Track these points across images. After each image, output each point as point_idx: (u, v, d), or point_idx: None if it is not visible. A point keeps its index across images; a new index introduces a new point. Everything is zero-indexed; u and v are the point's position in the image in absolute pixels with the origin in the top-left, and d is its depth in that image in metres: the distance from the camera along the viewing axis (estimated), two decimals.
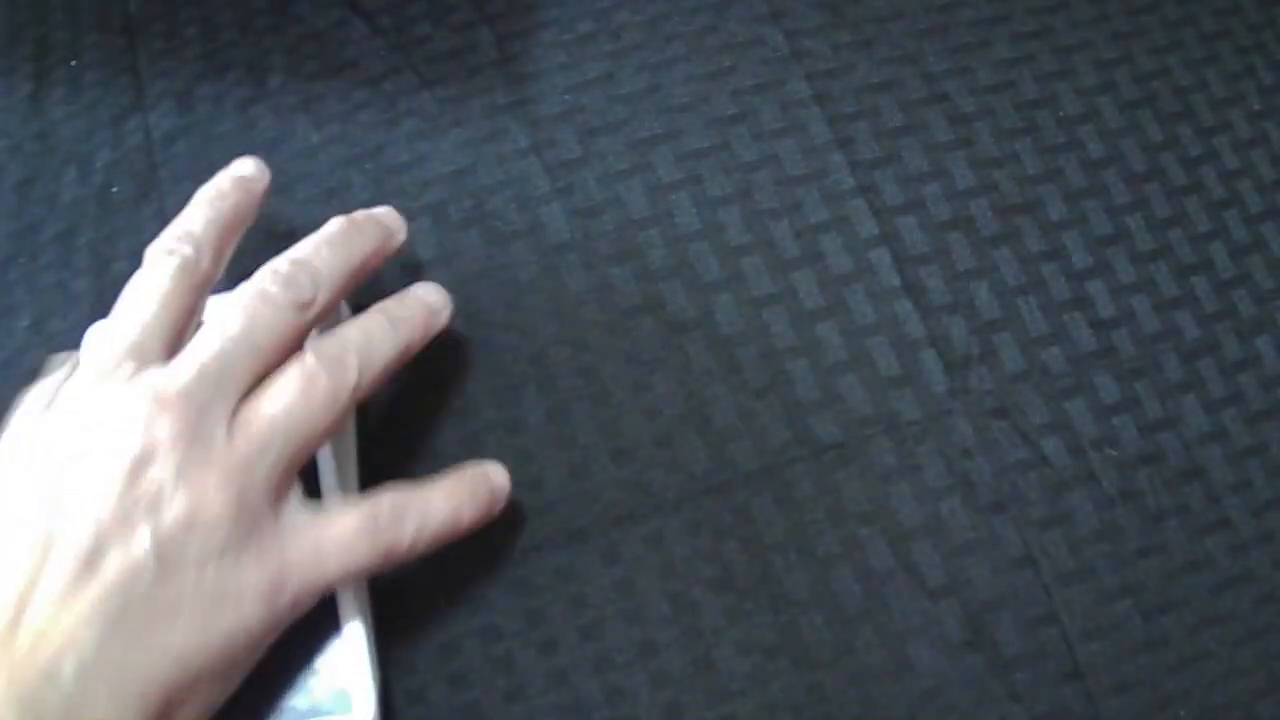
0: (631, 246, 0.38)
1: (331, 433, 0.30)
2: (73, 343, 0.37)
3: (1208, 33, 0.43)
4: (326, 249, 0.32)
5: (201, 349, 0.29)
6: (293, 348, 0.30)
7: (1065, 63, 0.42)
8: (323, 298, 0.31)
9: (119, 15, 0.41)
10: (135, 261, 0.38)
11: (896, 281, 0.38)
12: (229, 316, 0.30)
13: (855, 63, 0.41)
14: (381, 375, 0.31)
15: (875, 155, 0.40)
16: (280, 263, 0.31)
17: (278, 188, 0.39)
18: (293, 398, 0.29)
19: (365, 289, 0.34)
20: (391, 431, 0.36)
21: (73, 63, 0.41)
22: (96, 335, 0.31)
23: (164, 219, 0.38)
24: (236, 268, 0.37)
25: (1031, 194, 0.40)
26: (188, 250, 0.31)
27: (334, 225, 0.33)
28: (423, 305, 0.34)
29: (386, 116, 0.40)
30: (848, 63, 0.41)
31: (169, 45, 0.41)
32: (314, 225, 0.38)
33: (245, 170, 0.34)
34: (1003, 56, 0.42)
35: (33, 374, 0.36)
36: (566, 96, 0.40)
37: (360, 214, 0.34)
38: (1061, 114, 0.41)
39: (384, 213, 0.35)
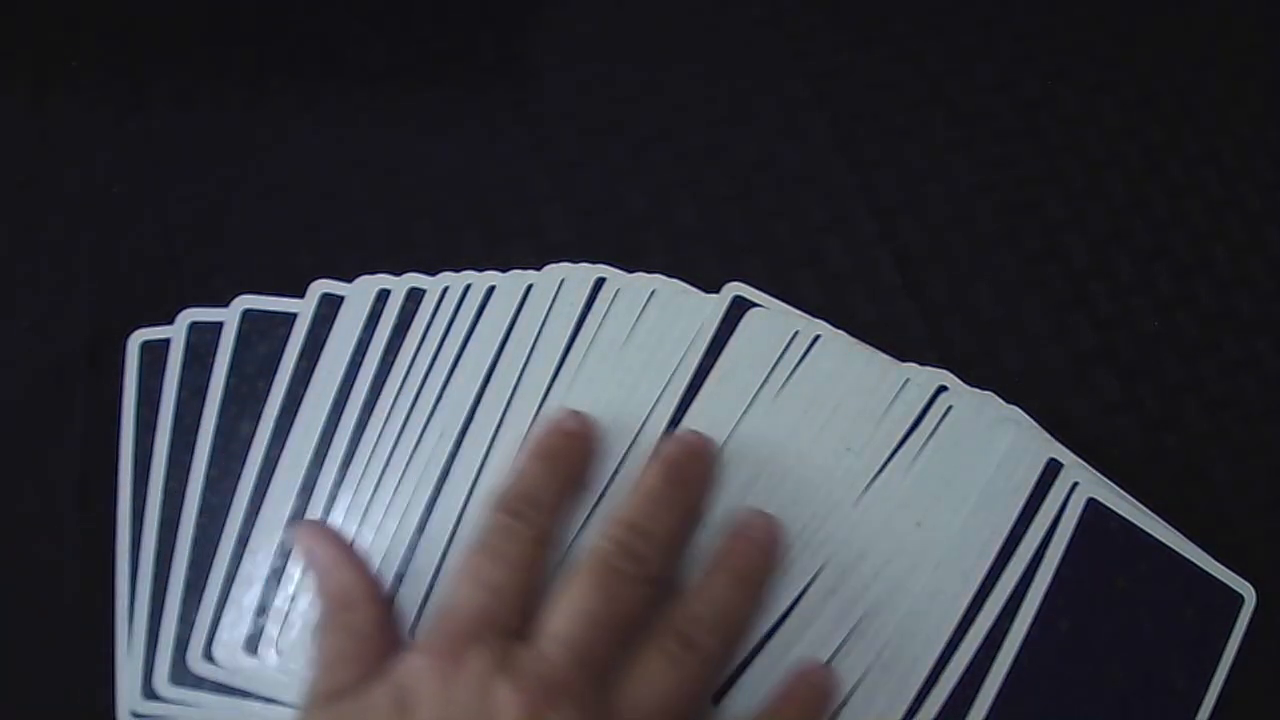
0: (632, 246, 0.38)
1: (700, 704, 0.30)
2: (74, 343, 0.37)
3: (1208, 33, 0.43)
4: (663, 510, 0.31)
5: (568, 633, 0.28)
6: (641, 618, 0.30)
7: (1065, 63, 0.42)
8: (665, 565, 0.31)
9: (119, 15, 0.41)
10: (135, 261, 0.38)
11: (897, 281, 0.38)
12: (588, 596, 0.29)
13: (855, 63, 0.41)
14: (738, 637, 0.31)
15: (875, 155, 0.40)
16: (622, 532, 0.30)
17: (278, 188, 0.39)
18: (665, 685, 0.28)
19: None
20: None
21: (73, 63, 0.41)
22: (443, 609, 0.29)
23: (164, 219, 0.38)
24: (248, 266, 0.38)
25: (1031, 194, 0.40)
26: (542, 520, 0.31)
27: (660, 477, 0.32)
28: (759, 548, 0.32)
29: (386, 116, 0.40)
30: (848, 63, 0.41)
31: (169, 45, 0.41)
32: (313, 225, 0.38)
33: (577, 427, 0.33)
34: (1003, 56, 0.42)
35: (33, 374, 0.36)
36: (566, 96, 0.40)
37: (678, 451, 0.33)
38: (1061, 114, 0.41)
39: (696, 440, 0.33)
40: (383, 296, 0.36)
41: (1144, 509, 0.34)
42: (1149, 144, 0.41)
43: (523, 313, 0.36)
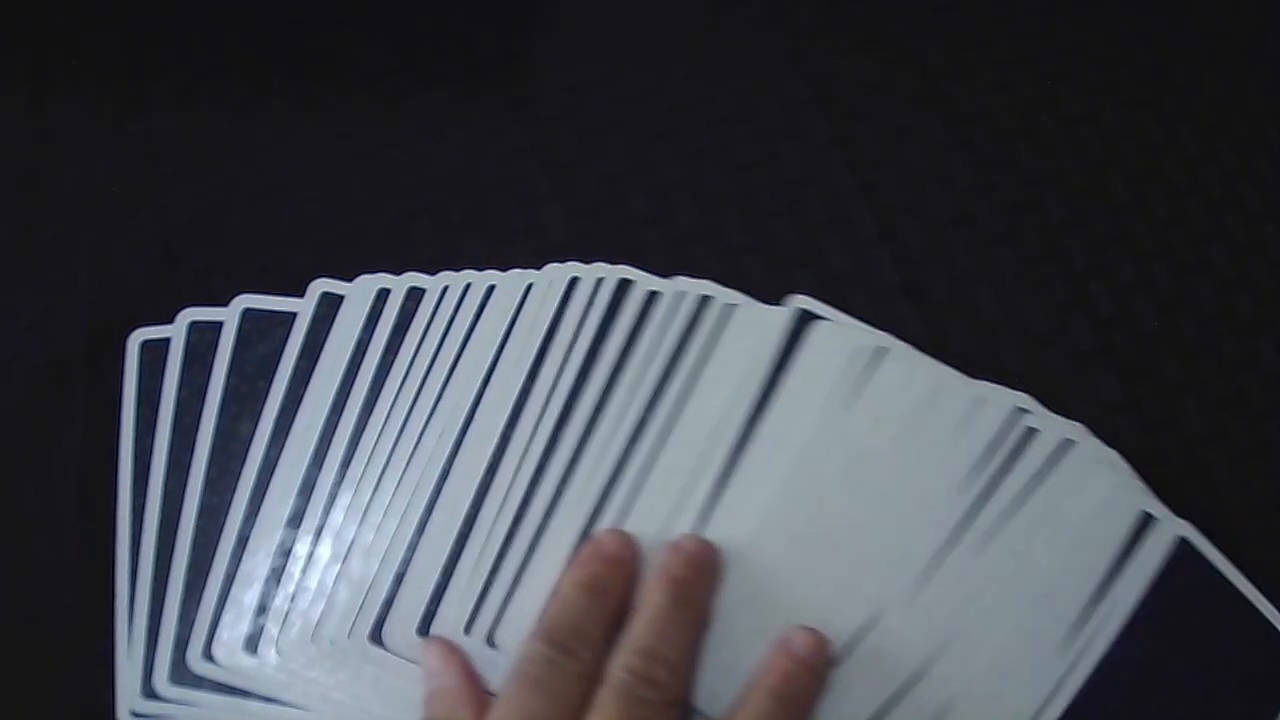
0: (632, 246, 0.38)
1: None
2: (74, 343, 0.37)
3: (1208, 32, 0.43)
4: (675, 631, 0.31)
5: None
6: None
7: (1065, 63, 0.42)
8: (684, 685, 0.30)
9: (119, 14, 0.41)
10: (136, 261, 0.38)
11: (897, 281, 0.38)
12: None
13: (856, 63, 0.41)
14: None
15: (875, 155, 0.40)
16: (638, 660, 0.30)
17: (278, 188, 0.39)
18: None
19: None
20: None
21: (73, 63, 0.41)
22: None
23: (164, 219, 0.38)
24: (248, 266, 0.38)
25: (1031, 194, 0.40)
26: (586, 655, 0.30)
27: (665, 595, 0.31)
28: (803, 666, 0.31)
29: (386, 116, 0.40)
30: (848, 63, 0.41)
31: (169, 45, 0.41)
32: (314, 225, 0.38)
33: (620, 552, 0.32)
34: (1003, 56, 0.42)
35: (33, 374, 0.36)
36: (566, 96, 0.40)
37: (682, 566, 0.32)
38: (1061, 114, 0.41)
39: (698, 549, 0.32)
40: (383, 296, 0.36)
41: (1227, 560, 0.34)
42: (1149, 144, 0.41)
43: (526, 313, 0.36)
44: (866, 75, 0.41)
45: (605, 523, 0.33)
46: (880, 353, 0.35)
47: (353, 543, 0.34)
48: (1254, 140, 0.41)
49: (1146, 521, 0.34)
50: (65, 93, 0.40)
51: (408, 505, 0.34)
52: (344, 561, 0.33)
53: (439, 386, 0.35)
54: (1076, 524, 0.33)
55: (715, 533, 0.33)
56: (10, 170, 0.39)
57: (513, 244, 0.38)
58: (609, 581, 0.32)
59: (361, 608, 0.33)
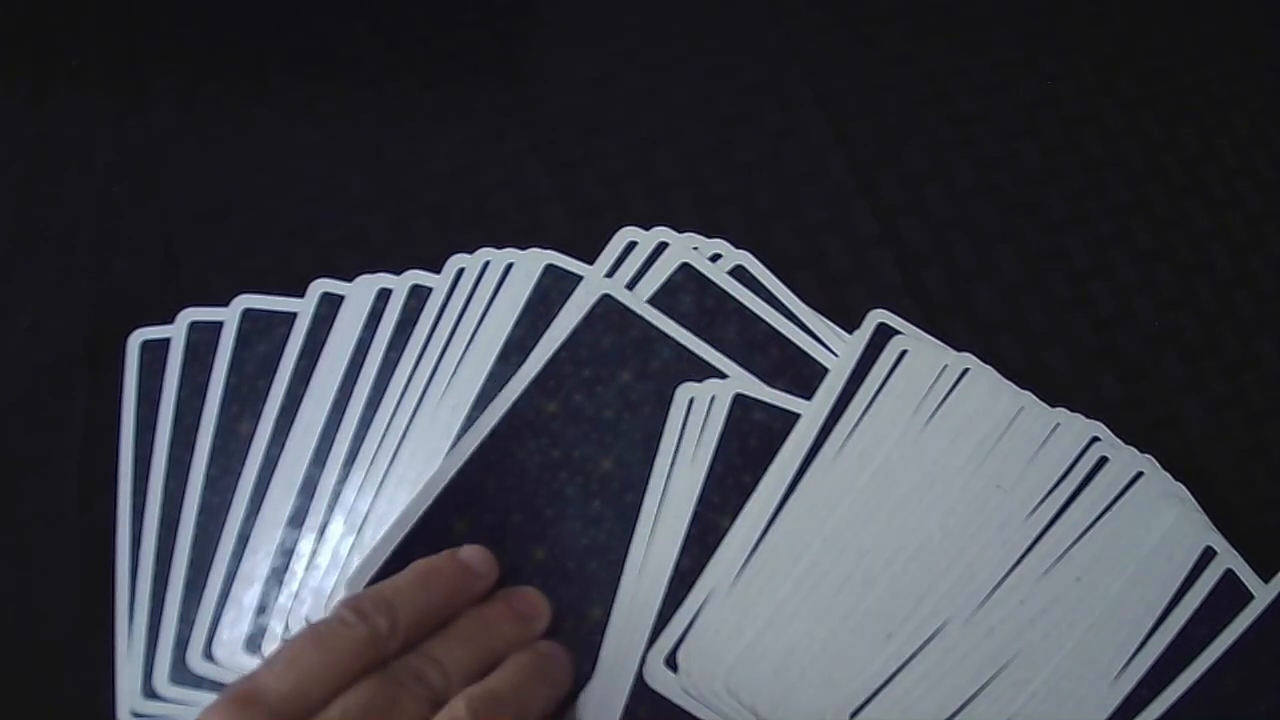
0: None
1: None
2: (74, 343, 0.37)
3: (1208, 33, 0.43)
4: (413, 588, 0.30)
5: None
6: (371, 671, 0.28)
7: (1065, 63, 0.42)
8: (402, 628, 0.29)
9: (119, 14, 0.41)
10: (136, 261, 0.38)
11: (897, 281, 0.38)
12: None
13: (855, 63, 0.41)
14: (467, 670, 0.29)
15: (875, 155, 0.40)
16: (361, 600, 0.29)
17: (278, 188, 0.39)
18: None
19: None
20: None
21: (73, 63, 0.41)
22: (256, 677, 0.28)
23: (165, 219, 0.38)
24: (248, 266, 0.38)
25: (1031, 194, 0.40)
26: (381, 624, 0.29)
27: (417, 567, 0.31)
28: (462, 568, 0.32)
29: (386, 116, 0.40)
30: (848, 63, 0.41)
31: (169, 45, 0.41)
32: (314, 225, 0.38)
33: (473, 561, 0.32)
34: (1003, 56, 0.42)
35: (33, 374, 0.36)
36: (567, 96, 0.40)
37: (445, 558, 0.32)
38: (1061, 114, 0.41)
39: (473, 556, 0.32)
40: (383, 295, 0.36)
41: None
42: (1149, 144, 0.41)
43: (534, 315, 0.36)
44: (866, 75, 0.41)
45: (643, 524, 0.33)
46: (962, 374, 0.35)
47: (366, 515, 0.34)
48: (1254, 140, 0.41)
49: (1209, 556, 0.34)
50: (66, 92, 0.40)
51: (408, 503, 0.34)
52: (357, 534, 0.33)
53: (442, 386, 0.35)
54: (1140, 555, 0.33)
55: (784, 540, 0.33)
56: (11, 169, 0.39)
57: (512, 244, 0.38)
58: (446, 575, 0.31)
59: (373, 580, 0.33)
